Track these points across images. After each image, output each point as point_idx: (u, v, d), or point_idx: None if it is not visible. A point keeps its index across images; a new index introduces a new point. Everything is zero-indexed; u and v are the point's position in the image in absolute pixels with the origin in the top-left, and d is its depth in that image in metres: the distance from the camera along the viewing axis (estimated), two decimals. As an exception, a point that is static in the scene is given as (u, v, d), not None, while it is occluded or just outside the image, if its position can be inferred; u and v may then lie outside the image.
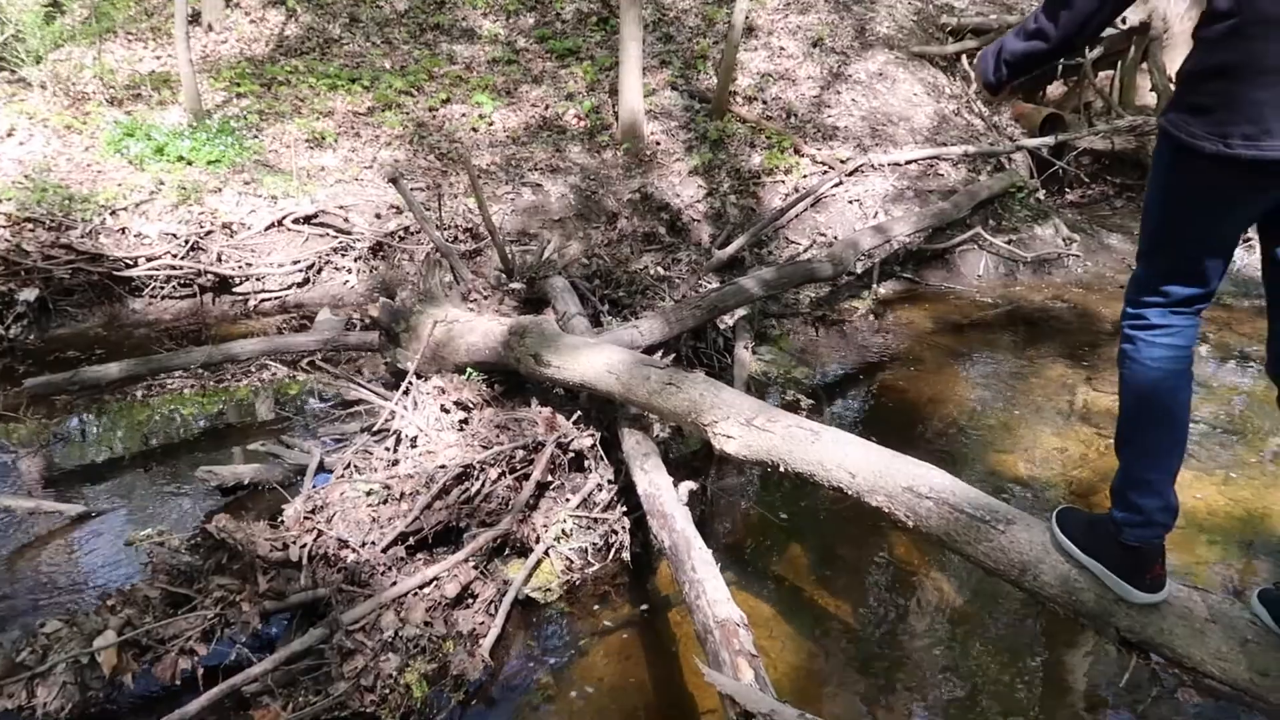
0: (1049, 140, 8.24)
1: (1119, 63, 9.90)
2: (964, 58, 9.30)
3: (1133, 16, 9.26)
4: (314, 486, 3.57)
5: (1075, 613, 2.31)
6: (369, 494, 3.30)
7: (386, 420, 3.86)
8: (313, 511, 3.21)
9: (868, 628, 3.15)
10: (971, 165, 7.80)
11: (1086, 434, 4.39)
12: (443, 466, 3.43)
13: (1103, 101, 9.74)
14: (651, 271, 5.95)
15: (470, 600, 3.04)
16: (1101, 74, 9.98)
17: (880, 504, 2.65)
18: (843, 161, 7.47)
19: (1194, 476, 3.96)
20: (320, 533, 3.11)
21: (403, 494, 3.32)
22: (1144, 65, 9.61)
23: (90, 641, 2.62)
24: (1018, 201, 7.44)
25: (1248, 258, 6.71)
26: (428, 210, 6.34)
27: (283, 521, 3.21)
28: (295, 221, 6.45)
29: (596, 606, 3.23)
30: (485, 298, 5.00)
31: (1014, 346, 5.64)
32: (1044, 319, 6.03)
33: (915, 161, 7.65)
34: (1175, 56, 9.02)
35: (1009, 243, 7.03)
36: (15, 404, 4.60)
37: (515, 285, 5.15)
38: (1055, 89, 10.43)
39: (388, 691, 2.69)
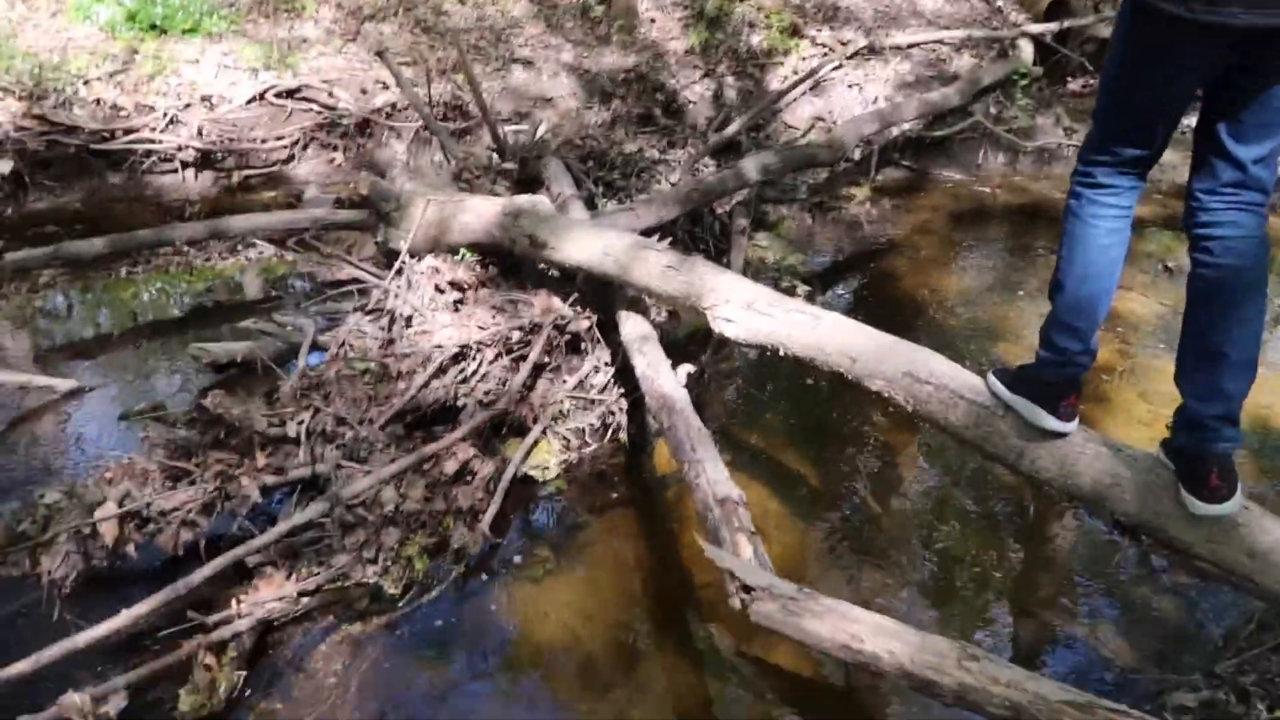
0: (1053, 26, 7.98)
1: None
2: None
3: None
4: (308, 365, 3.54)
5: (1071, 496, 2.36)
6: (365, 372, 3.28)
7: (380, 300, 3.81)
8: (309, 389, 3.20)
9: (859, 510, 3.20)
10: (975, 51, 7.58)
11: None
12: (439, 346, 3.40)
13: (1111, -14, 9.43)
14: (647, 154, 5.81)
15: (469, 478, 3.06)
16: (1112, -43, 9.62)
17: (880, 388, 2.66)
18: (844, 44, 7.23)
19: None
20: (318, 410, 3.10)
21: (399, 373, 3.30)
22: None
23: (91, 513, 2.62)
24: (1020, 90, 7.26)
25: None
26: (416, 87, 6.12)
27: (279, 398, 3.20)
28: (278, 95, 6.21)
29: (594, 485, 3.27)
30: (477, 178, 4.88)
31: (1011, 235, 5.59)
32: (1042, 208, 5.96)
33: (918, 46, 7.42)
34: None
35: (1009, 132, 6.89)
36: (-3, 279, 4.50)
37: (508, 165, 5.02)
38: (1063, -28, 10.07)
39: (389, 563, 2.74)
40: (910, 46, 7.40)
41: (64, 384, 3.68)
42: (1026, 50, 7.74)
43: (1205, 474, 2.05)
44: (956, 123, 6.78)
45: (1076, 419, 2.30)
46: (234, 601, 2.54)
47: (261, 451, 2.96)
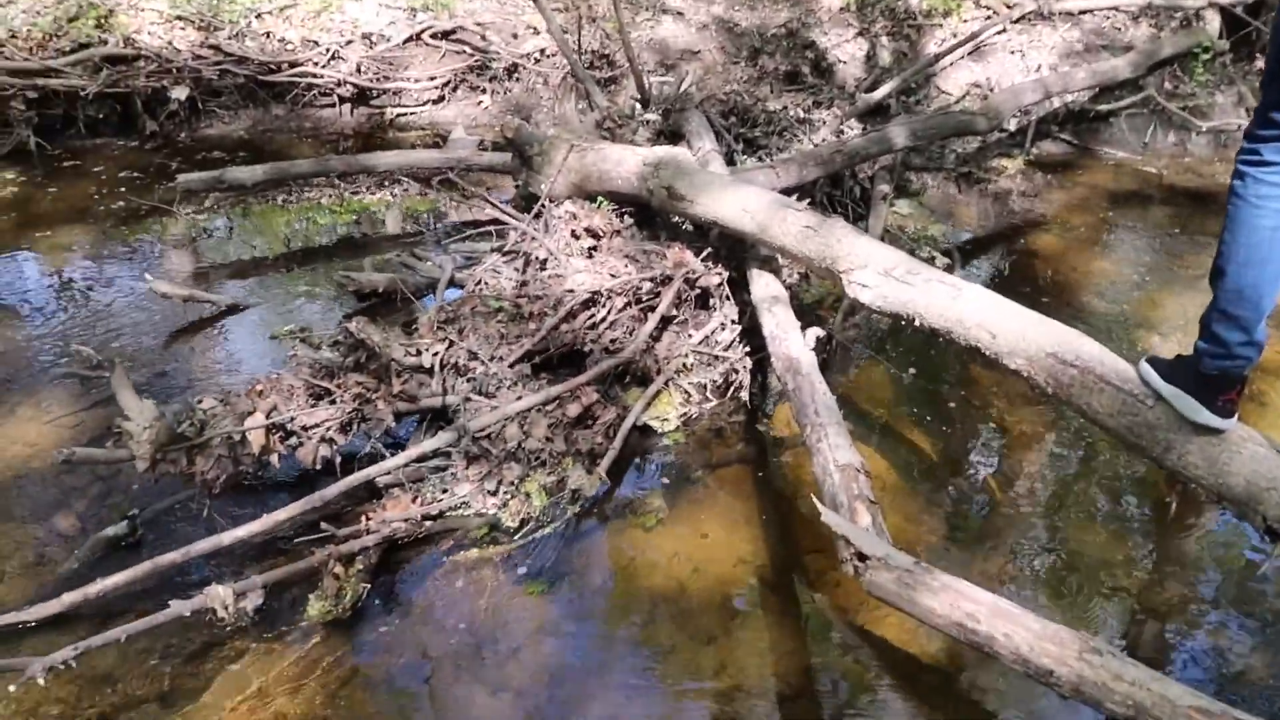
0: (1248, -4, 7.37)
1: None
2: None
3: None
4: (445, 300, 3.66)
5: (1220, 496, 2.22)
6: (499, 311, 3.36)
7: (517, 241, 3.89)
8: (445, 322, 3.30)
9: (982, 491, 3.10)
10: (1154, 20, 7.06)
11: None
12: (571, 291, 3.45)
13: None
14: (791, 112, 5.69)
15: (590, 422, 3.12)
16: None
17: (1019, 367, 2.55)
18: (1010, 7, 6.86)
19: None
20: (451, 343, 3.21)
21: (531, 314, 3.37)
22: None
23: (242, 421, 2.80)
24: (1200, 64, 6.74)
25: None
26: (565, 33, 6.16)
27: (416, 329, 3.32)
28: (434, 36, 6.37)
29: (711, 441, 3.28)
30: (619, 127, 4.89)
31: (1176, 220, 5.23)
32: (1214, 194, 5.55)
33: (1091, 11, 6.97)
34: None
35: (1184, 109, 6.42)
36: (169, 198, 4.81)
37: (650, 116, 5.01)
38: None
39: (509, 497, 2.83)
40: (1083, 12, 6.95)
41: (223, 299, 3.93)
42: (1213, 22, 7.17)
43: None
44: (1125, 96, 6.36)
45: (1235, 416, 2.16)
46: (363, 518, 2.68)
47: (397, 378, 3.08)
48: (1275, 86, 1.95)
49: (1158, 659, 2.49)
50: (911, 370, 3.72)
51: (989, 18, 6.79)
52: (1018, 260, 4.76)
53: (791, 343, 3.06)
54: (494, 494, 2.83)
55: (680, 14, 6.78)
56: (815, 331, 3.20)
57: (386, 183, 5.30)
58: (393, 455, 2.86)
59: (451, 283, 3.90)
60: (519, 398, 3.04)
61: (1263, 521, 2.11)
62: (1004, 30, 6.67)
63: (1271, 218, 1.98)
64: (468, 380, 3.12)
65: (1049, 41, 6.75)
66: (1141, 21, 7.06)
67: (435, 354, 3.16)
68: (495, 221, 4.22)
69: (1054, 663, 1.84)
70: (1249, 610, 2.63)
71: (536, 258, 3.72)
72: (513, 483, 2.85)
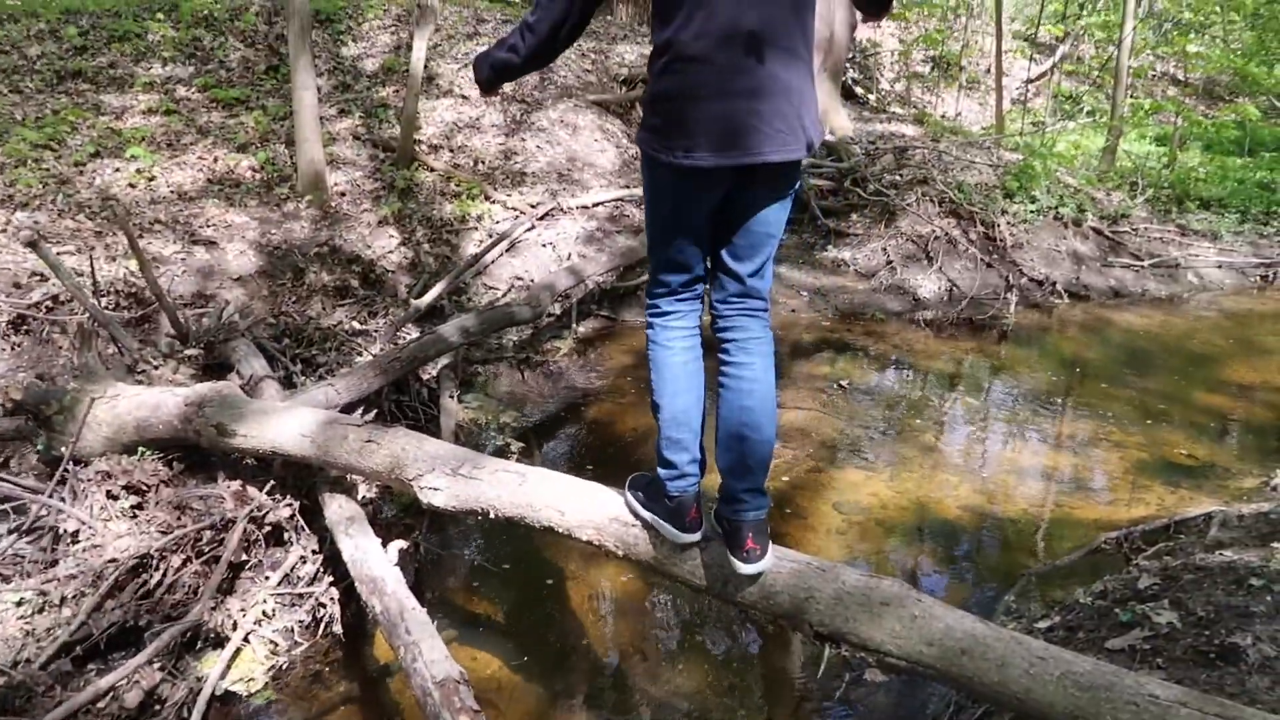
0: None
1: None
2: (637, 105, 9.88)
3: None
4: (-53, 606, 3.02)
5: (774, 615, 2.48)
6: (19, 604, 2.85)
7: (40, 516, 3.37)
8: (-55, 636, 2.72)
9: (594, 660, 3.18)
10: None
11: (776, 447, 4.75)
12: (113, 560, 3.04)
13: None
14: (346, 326, 5.70)
15: (158, 707, 2.71)
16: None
17: (590, 537, 2.70)
18: (533, 206, 7.62)
19: (865, 476, 4.41)
20: (-43, 660, 2.64)
21: (64, 598, 2.90)
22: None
23: None
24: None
25: (890, 277, 7.65)
26: (80, 276, 5.66)
27: (-95, 654, 2.69)
28: (-92, 298, 5.49)
29: (309, 689, 3.01)
30: (156, 368, 4.55)
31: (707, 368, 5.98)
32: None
33: (602, 204, 7.98)
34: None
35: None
36: None
37: (191, 351, 4.73)
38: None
39: (58, 832, 2.33)
40: (595, 205, 7.93)
41: None
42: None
43: (743, 539, 2.33)
44: (644, 270, 7.27)
45: (702, 529, 2.47)
46: None
47: (-119, 724, 2.45)
48: (658, 254, 2.36)
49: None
50: (515, 557, 3.76)
51: (517, 217, 7.47)
52: (585, 431, 5.11)
53: (372, 562, 2.95)
54: (37, 834, 2.32)
55: (214, 243, 6.57)
56: (398, 545, 3.12)
57: None
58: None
59: (-43, 582, 3.24)
60: (58, 703, 2.56)
61: (810, 629, 2.38)
62: (532, 227, 7.36)
63: (682, 354, 2.39)
64: (-15, 700, 2.57)
65: (573, 232, 7.57)
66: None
67: (-65, 679, 2.57)
68: (9, 499, 3.62)
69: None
70: (838, 706, 2.95)
71: (66, 530, 3.24)
72: (61, 812, 2.36)
